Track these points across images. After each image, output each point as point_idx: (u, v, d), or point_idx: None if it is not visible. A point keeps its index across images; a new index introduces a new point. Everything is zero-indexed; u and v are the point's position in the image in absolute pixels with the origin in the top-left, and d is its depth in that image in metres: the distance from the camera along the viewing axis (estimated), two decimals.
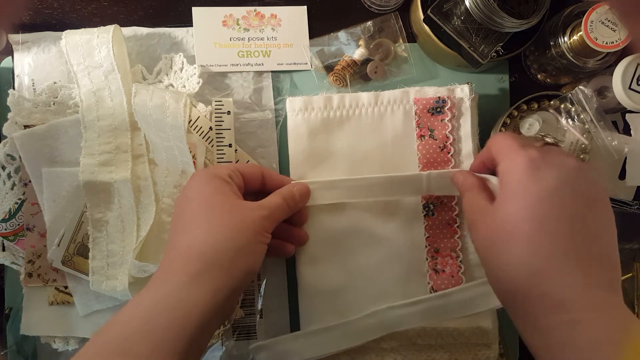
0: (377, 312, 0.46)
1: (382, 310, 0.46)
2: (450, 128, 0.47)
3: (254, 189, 0.45)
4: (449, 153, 0.47)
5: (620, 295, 0.33)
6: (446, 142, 0.47)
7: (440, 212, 0.47)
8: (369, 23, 0.51)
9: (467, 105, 0.47)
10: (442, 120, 0.47)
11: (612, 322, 0.31)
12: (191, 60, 0.50)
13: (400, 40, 0.52)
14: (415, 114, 0.48)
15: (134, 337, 0.33)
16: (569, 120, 0.48)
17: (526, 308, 0.33)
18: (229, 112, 0.49)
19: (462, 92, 0.47)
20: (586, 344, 0.30)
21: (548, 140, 0.37)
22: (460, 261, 0.47)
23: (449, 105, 0.47)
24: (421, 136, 0.48)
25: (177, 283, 0.35)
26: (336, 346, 0.46)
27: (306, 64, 0.51)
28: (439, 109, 0.47)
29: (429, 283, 0.47)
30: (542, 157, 0.35)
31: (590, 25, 0.44)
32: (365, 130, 0.48)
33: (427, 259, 0.47)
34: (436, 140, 0.47)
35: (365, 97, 0.48)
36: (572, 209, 0.34)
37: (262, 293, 0.49)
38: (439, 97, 0.47)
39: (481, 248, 0.37)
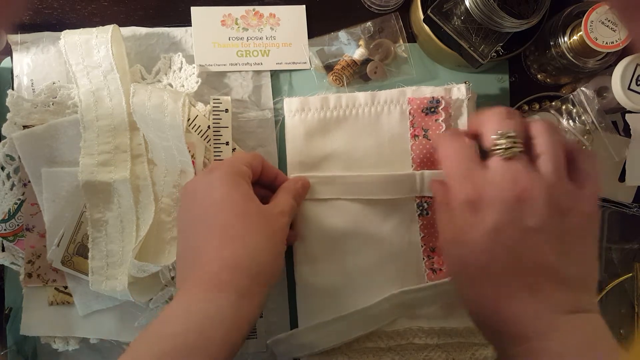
0: (391, 297, 0.46)
1: (396, 295, 0.46)
2: (444, 128, 0.47)
3: (253, 181, 0.44)
4: None
5: (591, 310, 0.32)
6: None
7: (434, 211, 0.47)
8: (369, 23, 0.51)
9: (464, 104, 0.47)
10: (436, 120, 0.47)
11: (574, 345, 0.30)
12: (190, 59, 0.49)
13: (400, 40, 0.52)
14: (410, 113, 0.48)
15: (191, 351, 0.32)
16: (570, 121, 0.48)
17: (494, 339, 0.34)
18: (226, 110, 0.49)
19: (459, 91, 0.47)
20: None
21: (503, 143, 0.33)
22: None
23: (443, 105, 0.47)
24: (415, 136, 0.47)
25: (227, 299, 0.35)
26: (353, 333, 0.46)
27: (305, 63, 0.51)
28: (432, 109, 0.47)
29: (426, 283, 0.47)
30: (482, 190, 0.33)
31: (590, 25, 0.44)
32: (362, 130, 0.48)
33: (423, 258, 0.47)
34: (430, 140, 0.47)
35: (362, 97, 0.48)
36: (517, 242, 0.33)
37: None
38: (432, 97, 0.47)
39: (451, 271, 0.38)
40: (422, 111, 0.47)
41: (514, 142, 0.34)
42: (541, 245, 0.33)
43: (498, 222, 0.33)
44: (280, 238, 0.39)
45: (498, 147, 0.34)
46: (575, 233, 0.33)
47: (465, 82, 0.48)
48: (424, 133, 0.47)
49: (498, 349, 0.35)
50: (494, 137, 0.35)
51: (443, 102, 0.47)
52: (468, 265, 0.34)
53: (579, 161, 0.36)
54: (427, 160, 0.47)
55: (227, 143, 0.49)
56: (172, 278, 0.46)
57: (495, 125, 0.36)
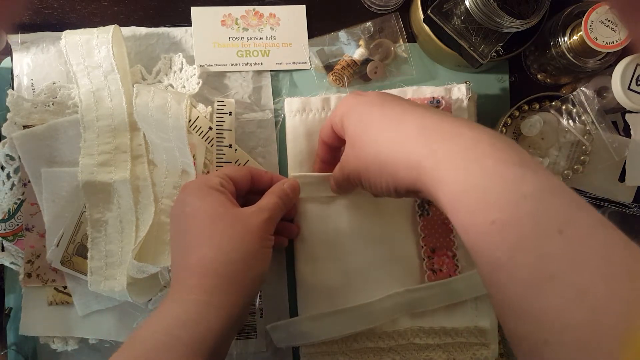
0: (394, 294, 0.46)
1: (400, 293, 0.46)
2: None
3: (244, 191, 0.45)
4: None
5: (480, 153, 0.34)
6: None
7: (435, 211, 0.47)
8: (369, 23, 0.51)
9: (464, 104, 0.47)
10: None
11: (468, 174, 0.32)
12: (190, 60, 0.49)
13: (400, 40, 0.52)
14: None
15: (159, 351, 0.34)
16: (570, 121, 0.48)
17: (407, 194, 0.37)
18: (230, 113, 0.49)
19: (460, 91, 0.47)
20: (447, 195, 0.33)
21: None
22: (456, 260, 0.47)
23: (443, 105, 0.47)
24: None
25: (194, 300, 0.36)
26: (352, 327, 0.46)
27: (305, 63, 0.51)
28: None
29: (427, 283, 0.47)
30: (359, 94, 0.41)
31: (590, 25, 0.44)
32: None
33: (424, 259, 0.47)
34: None
35: None
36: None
37: (262, 293, 0.49)
38: (433, 97, 0.47)
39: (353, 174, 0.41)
40: None
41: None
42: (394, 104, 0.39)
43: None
44: (256, 236, 0.39)
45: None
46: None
47: (465, 82, 0.48)
48: None
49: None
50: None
51: (443, 102, 0.47)
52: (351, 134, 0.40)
53: None
54: None
55: (229, 146, 0.48)
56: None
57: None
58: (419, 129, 0.35)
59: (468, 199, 0.31)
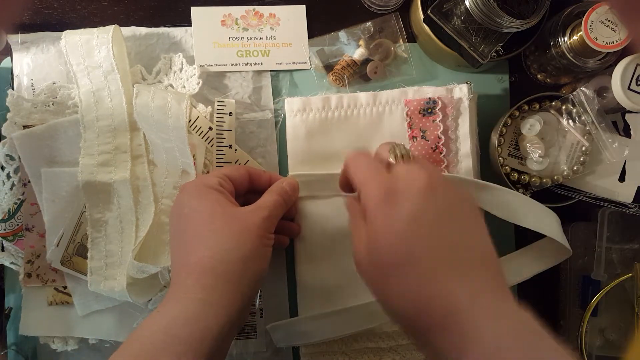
0: None
1: None
2: (441, 129, 0.47)
3: (243, 191, 0.45)
4: (441, 153, 0.47)
5: (511, 300, 0.32)
6: (438, 143, 0.47)
7: None
8: (369, 23, 0.51)
9: (465, 104, 0.47)
10: (433, 121, 0.47)
11: (505, 331, 0.30)
12: (190, 60, 0.49)
13: (400, 40, 0.52)
14: (407, 115, 0.48)
15: (158, 350, 0.34)
16: (570, 121, 0.48)
17: (417, 331, 0.33)
18: (230, 114, 0.49)
19: (461, 91, 0.47)
20: (480, 356, 0.30)
21: (398, 152, 0.37)
22: None
23: (440, 106, 0.47)
24: (413, 137, 0.47)
25: (192, 299, 0.36)
26: (352, 327, 0.46)
27: (305, 63, 0.51)
28: (430, 110, 0.47)
29: None
30: (394, 184, 0.35)
31: (590, 25, 0.44)
32: (363, 131, 0.48)
33: None
34: (428, 141, 0.47)
35: (363, 97, 0.48)
36: (434, 226, 0.34)
37: (262, 293, 0.49)
38: (429, 98, 0.47)
39: (369, 281, 0.36)
40: (419, 112, 0.47)
41: (405, 149, 0.38)
42: (453, 225, 0.34)
43: (416, 209, 0.34)
44: (254, 234, 0.39)
45: (395, 155, 0.37)
46: (470, 213, 0.36)
47: (467, 82, 0.48)
48: (422, 134, 0.47)
49: (422, 342, 0.34)
50: (389, 150, 0.38)
51: (440, 102, 0.47)
52: (388, 260, 0.34)
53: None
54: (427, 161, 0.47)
55: (230, 146, 0.48)
56: None
57: (384, 147, 0.39)
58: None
59: None
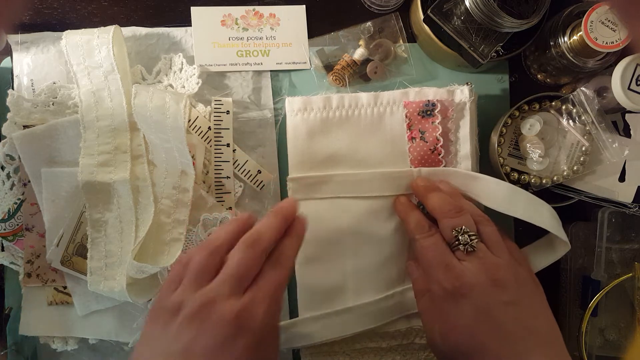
0: (395, 294, 0.46)
1: (400, 293, 0.47)
2: (440, 131, 0.47)
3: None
4: (439, 155, 0.47)
5: None
6: (437, 145, 0.47)
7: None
8: (369, 23, 0.51)
9: (466, 106, 0.47)
10: (432, 122, 0.47)
11: None
12: (190, 60, 0.50)
13: (400, 40, 0.52)
14: (406, 116, 0.48)
15: None
16: (570, 121, 0.48)
17: None
18: (228, 112, 0.49)
19: (462, 93, 0.47)
20: None
21: (462, 240, 0.40)
22: None
23: (439, 108, 0.47)
24: (412, 138, 0.47)
25: None
26: (353, 328, 0.46)
27: (305, 63, 0.51)
28: (429, 112, 0.47)
29: None
30: (460, 280, 0.39)
31: (590, 25, 0.44)
32: (364, 131, 0.48)
33: None
34: (427, 142, 0.47)
35: (364, 97, 0.48)
36: (499, 318, 0.37)
37: None
38: (428, 100, 0.47)
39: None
40: (418, 114, 0.47)
41: (470, 237, 0.40)
42: (519, 314, 0.38)
43: (481, 306, 0.38)
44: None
45: (460, 243, 0.40)
46: (535, 298, 0.40)
47: (467, 83, 0.48)
48: (420, 135, 0.47)
49: None
50: (454, 233, 0.41)
51: (439, 105, 0.47)
52: (460, 350, 0.38)
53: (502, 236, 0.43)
54: (425, 162, 0.47)
55: (227, 145, 0.49)
56: None
57: (448, 217, 0.42)
58: None
59: None
